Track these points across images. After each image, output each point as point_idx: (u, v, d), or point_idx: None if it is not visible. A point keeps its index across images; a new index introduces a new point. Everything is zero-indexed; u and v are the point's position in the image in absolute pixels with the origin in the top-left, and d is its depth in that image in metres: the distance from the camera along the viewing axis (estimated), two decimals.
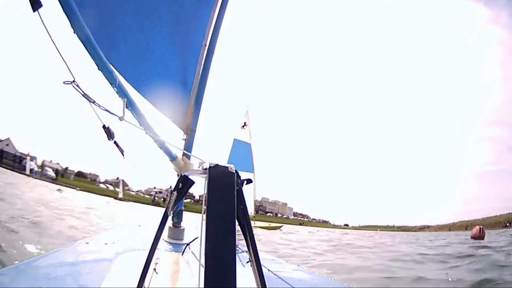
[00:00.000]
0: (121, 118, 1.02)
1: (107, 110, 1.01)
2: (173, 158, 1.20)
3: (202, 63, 2.07)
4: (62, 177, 39.20)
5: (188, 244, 2.10)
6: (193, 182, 0.90)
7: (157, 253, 0.86)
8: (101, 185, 47.04)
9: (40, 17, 0.73)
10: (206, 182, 0.81)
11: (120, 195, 32.63)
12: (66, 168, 49.44)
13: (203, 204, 0.80)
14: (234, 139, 20.52)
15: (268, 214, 61.43)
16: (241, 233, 0.87)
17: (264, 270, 0.92)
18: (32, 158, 33.37)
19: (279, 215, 61.93)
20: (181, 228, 2.34)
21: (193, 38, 2.00)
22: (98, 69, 0.88)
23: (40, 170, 34.19)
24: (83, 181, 45.44)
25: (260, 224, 21.44)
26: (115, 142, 1.27)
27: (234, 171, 0.83)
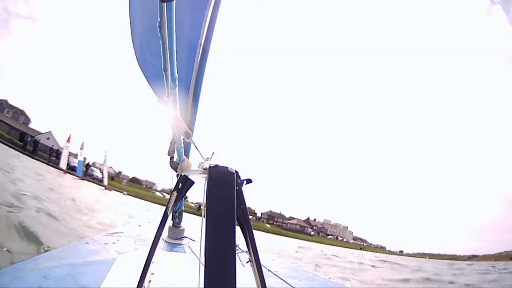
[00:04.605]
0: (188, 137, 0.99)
1: (181, 126, 0.97)
2: (182, 160, 1.21)
3: (198, 62, 2.08)
4: (112, 180, 36.11)
5: (188, 244, 2.11)
6: (193, 182, 0.90)
7: (157, 253, 0.86)
8: (157, 193, 44.25)
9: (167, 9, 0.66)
10: (206, 182, 0.81)
11: (105, 182, 27.73)
12: (119, 173, 47.30)
13: (203, 204, 0.80)
14: None
15: (329, 236, 61.64)
16: (241, 233, 0.88)
17: (264, 270, 0.93)
18: (70, 152, 27.91)
19: (339, 238, 62.26)
20: (181, 228, 2.34)
21: (189, 37, 2.00)
22: (165, 71, 0.83)
23: (85, 169, 30.00)
24: (137, 187, 43.34)
25: None
26: (171, 158, 1.27)
27: (234, 171, 0.83)
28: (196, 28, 2.00)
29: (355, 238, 63.58)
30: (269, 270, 1.77)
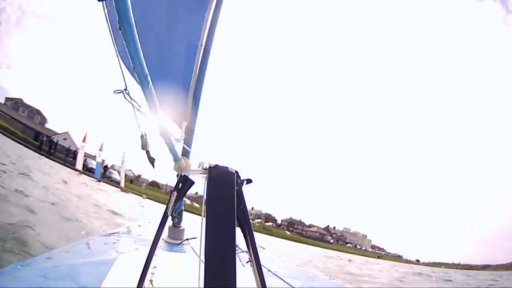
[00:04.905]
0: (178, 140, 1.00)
1: (163, 125, 0.99)
2: (178, 159, 1.20)
3: (199, 63, 2.08)
4: (131, 183, 36.64)
5: (188, 244, 2.11)
6: (193, 182, 0.90)
7: (157, 253, 0.86)
8: None
9: (105, 10, 0.69)
10: (206, 182, 0.81)
11: (122, 184, 27.41)
12: (139, 176, 46.67)
13: (203, 204, 0.80)
14: None
15: (348, 244, 61.86)
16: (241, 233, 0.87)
17: (264, 270, 0.93)
18: (88, 154, 26.94)
19: (358, 246, 62.53)
20: (181, 228, 2.34)
21: (189, 37, 2.01)
22: (135, 69, 0.85)
23: (103, 171, 28.85)
24: (157, 191, 42.48)
25: None
26: (147, 152, 1.26)
27: (234, 171, 0.83)
28: (196, 29, 2.00)
29: (373, 247, 63.47)
30: (269, 270, 1.76)
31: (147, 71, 0.89)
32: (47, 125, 40.61)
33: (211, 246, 0.71)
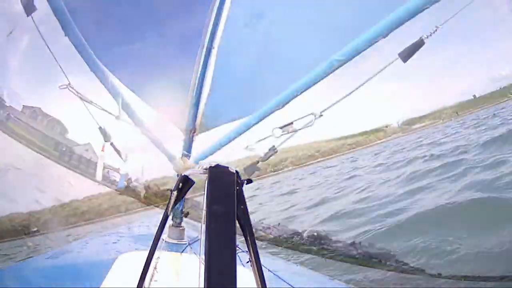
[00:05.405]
0: (117, 117, 1.04)
1: (104, 109, 1.02)
2: (171, 158, 1.20)
3: (201, 63, 2.08)
4: (155, 196, 37.44)
5: (188, 244, 2.11)
6: (193, 182, 0.90)
7: (157, 253, 0.86)
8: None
9: (34, 22, 0.74)
10: (206, 182, 0.81)
11: (141, 195, 29.42)
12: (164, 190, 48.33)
13: (204, 204, 0.80)
14: None
15: (373, 259, 63.02)
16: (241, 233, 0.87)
17: (264, 270, 0.93)
18: (110, 166, 29.30)
19: (382, 261, 63.75)
20: (181, 228, 2.34)
21: (189, 37, 2.00)
22: (91, 70, 0.89)
23: (126, 184, 30.94)
24: None
25: None
26: (111, 144, 1.26)
27: (234, 171, 0.83)
28: (197, 27, 1.99)
29: (396, 261, 64.24)
30: (269, 270, 1.76)
31: (103, 68, 0.92)
32: (68, 136, 40.75)
33: (211, 246, 0.71)
